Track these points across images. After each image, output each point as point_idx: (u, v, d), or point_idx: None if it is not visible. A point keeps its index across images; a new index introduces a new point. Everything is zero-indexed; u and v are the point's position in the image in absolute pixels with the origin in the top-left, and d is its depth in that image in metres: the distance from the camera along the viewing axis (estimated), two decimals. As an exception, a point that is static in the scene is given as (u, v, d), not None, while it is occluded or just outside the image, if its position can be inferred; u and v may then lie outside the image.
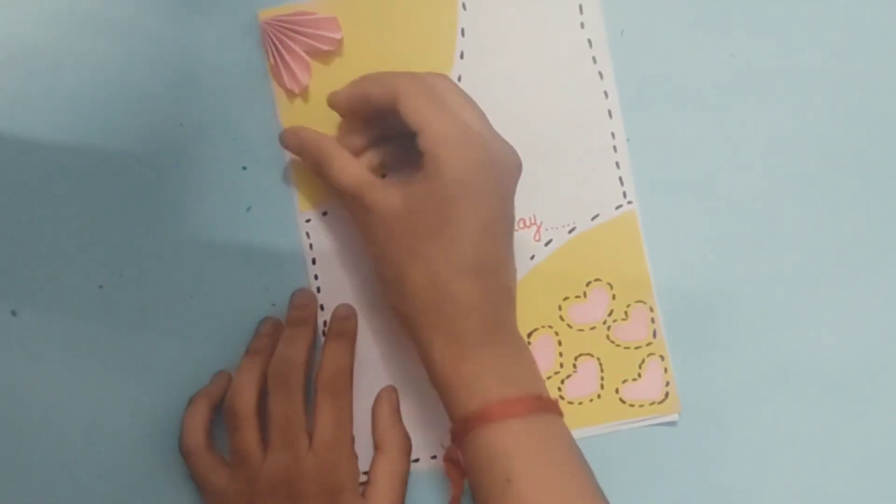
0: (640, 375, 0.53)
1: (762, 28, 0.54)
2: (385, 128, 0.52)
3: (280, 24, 0.54)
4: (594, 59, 0.54)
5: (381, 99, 0.49)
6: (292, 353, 0.51)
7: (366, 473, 0.52)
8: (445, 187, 0.46)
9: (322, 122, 0.53)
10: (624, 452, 0.53)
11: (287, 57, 0.54)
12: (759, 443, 0.53)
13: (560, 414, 0.47)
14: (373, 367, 0.54)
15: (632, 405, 0.53)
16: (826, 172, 0.54)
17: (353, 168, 0.50)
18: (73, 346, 0.53)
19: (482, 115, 0.49)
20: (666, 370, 0.53)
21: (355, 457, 0.51)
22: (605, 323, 0.53)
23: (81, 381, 0.53)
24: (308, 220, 0.54)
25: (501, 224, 0.48)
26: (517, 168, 0.49)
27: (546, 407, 0.46)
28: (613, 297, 0.53)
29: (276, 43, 0.54)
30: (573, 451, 0.46)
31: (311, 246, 0.54)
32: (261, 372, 0.51)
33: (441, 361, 0.47)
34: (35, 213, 0.54)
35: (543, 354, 0.53)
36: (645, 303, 0.53)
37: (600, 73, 0.54)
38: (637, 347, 0.53)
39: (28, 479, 0.53)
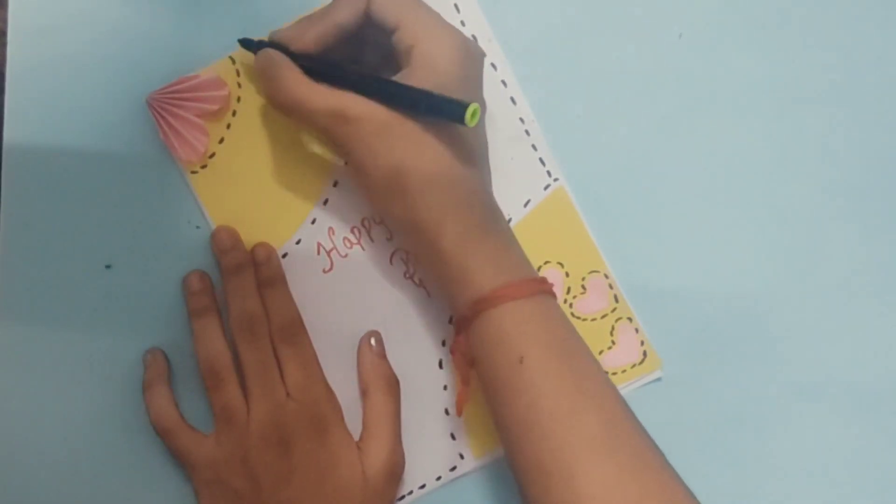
0: (614, 343, 0.53)
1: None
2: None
3: (164, 95, 0.53)
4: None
5: (350, 18, 0.48)
6: (249, 303, 0.51)
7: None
8: (440, 76, 0.45)
9: (235, 183, 0.53)
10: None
11: (177, 125, 0.52)
12: (746, 384, 0.54)
13: (555, 296, 0.48)
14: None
15: (615, 373, 0.53)
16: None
17: (325, 91, 0.47)
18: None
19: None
20: (637, 330, 0.53)
21: (332, 392, 0.52)
22: (565, 301, 0.53)
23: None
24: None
25: (485, 110, 0.49)
26: (482, 54, 0.49)
27: (546, 289, 0.47)
28: (567, 274, 0.53)
29: (164, 114, 0.52)
30: (572, 329, 0.47)
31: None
32: (219, 329, 0.51)
33: (452, 248, 0.46)
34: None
35: (516, 348, 0.53)
36: (598, 271, 0.53)
37: (493, 65, 0.54)
38: (603, 316, 0.53)
39: (25, 468, 0.52)
